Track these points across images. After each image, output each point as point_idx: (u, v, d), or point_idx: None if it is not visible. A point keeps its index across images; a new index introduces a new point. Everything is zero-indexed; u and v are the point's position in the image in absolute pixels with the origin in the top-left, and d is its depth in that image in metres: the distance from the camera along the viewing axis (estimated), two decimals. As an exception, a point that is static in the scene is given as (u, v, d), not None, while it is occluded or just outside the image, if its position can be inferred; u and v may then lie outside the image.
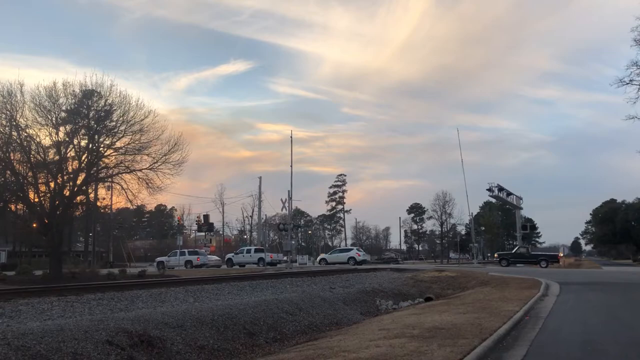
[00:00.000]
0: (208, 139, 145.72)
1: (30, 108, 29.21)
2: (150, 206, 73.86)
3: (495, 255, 50.92)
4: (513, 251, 48.27)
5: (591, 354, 7.21)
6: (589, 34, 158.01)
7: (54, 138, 30.27)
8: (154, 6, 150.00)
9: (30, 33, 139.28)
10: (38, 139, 29.95)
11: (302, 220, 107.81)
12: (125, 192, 31.74)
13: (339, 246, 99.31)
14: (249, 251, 51.42)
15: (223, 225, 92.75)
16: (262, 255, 48.18)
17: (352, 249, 51.78)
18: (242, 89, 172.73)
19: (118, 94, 31.35)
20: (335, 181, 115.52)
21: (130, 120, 31.02)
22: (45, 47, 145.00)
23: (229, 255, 51.27)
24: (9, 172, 29.23)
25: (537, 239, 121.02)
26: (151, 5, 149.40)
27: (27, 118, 29.24)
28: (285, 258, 48.32)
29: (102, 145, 31.84)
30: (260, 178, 62.22)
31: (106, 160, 31.77)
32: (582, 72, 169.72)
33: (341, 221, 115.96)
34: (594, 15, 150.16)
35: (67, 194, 30.15)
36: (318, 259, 51.34)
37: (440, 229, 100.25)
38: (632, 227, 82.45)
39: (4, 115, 28.70)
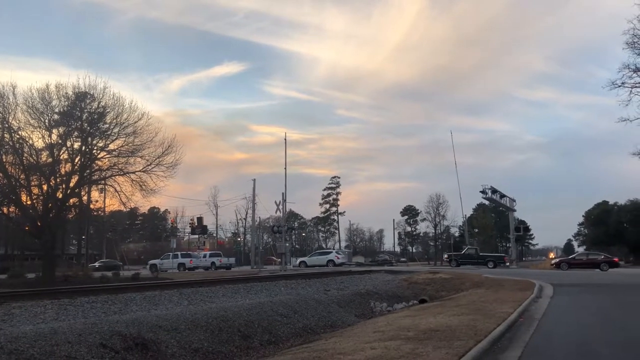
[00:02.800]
0: (202, 141, 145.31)
1: (22, 110, 29.11)
2: (144, 209, 73.63)
3: (445, 256, 52.03)
4: (462, 252, 49.62)
5: (585, 355, 7.25)
6: (583, 36, 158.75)
7: (46, 140, 30.18)
8: (147, 7, 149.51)
9: (22, 34, 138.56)
10: (31, 142, 29.85)
11: (296, 223, 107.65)
12: (119, 195, 31.68)
13: (333, 248, 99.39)
14: (205, 256, 52.52)
15: (217, 227, 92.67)
16: (214, 259, 50.67)
17: (331, 252, 52.25)
18: (236, 90, 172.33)
19: (111, 96, 31.29)
20: (330, 183, 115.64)
21: (123, 123, 30.97)
22: (37, 48, 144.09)
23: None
24: (1, 174, 29.04)
25: (531, 241, 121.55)
26: (144, 7, 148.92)
27: (19, 120, 29.14)
28: (231, 262, 51.87)
29: (95, 148, 31.75)
30: (254, 180, 62.00)
31: (99, 163, 31.68)
32: (576, 74, 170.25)
33: (335, 223, 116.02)
34: (588, 18, 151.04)
35: (60, 196, 30.01)
36: (297, 261, 51.66)
37: (434, 231, 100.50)
38: (625, 229, 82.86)
39: (-4, 118, 28.56)
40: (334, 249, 52.93)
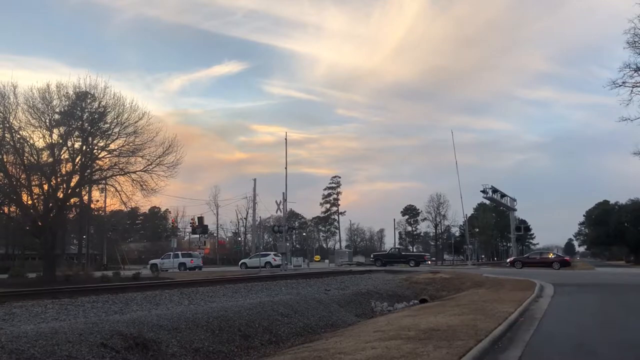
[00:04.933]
0: (202, 140, 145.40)
1: (23, 110, 29.12)
2: (144, 208, 73.58)
3: (372, 256, 55.07)
4: (386, 252, 52.46)
5: (585, 355, 7.25)
6: (584, 36, 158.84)
7: (47, 140, 30.19)
8: (146, 6, 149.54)
9: (21, 33, 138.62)
10: (31, 141, 29.87)
11: (296, 222, 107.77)
12: (119, 194, 31.69)
13: (333, 248, 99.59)
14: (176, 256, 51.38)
15: (217, 227, 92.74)
16: (184, 260, 49.63)
17: (269, 254, 53.79)
18: (236, 90, 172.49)
19: (112, 96, 31.30)
20: (330, 183, 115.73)
21: (124, 122, 30.97)
22: (36, 47, 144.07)
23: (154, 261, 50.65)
24: (2, 174, 29.07)
25: (531, 241, 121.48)
26: (143, 6, 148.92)
27: (20, 120, 29.15)
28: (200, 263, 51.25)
29: (96, 148, 31.77)
30: (254, 180, 62.16)
31: (100, 163, 31.68)
32: (576, 74, 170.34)
33: (336, 223, 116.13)
34: (589, 17, 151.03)
35: (61, 196, 30.02)
36: (239, 263, 53.18)
37: (434, 231, 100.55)
38: (626, 228, 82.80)
39: (-4, 118, 28.58)
40: (272, 252, 56.17)
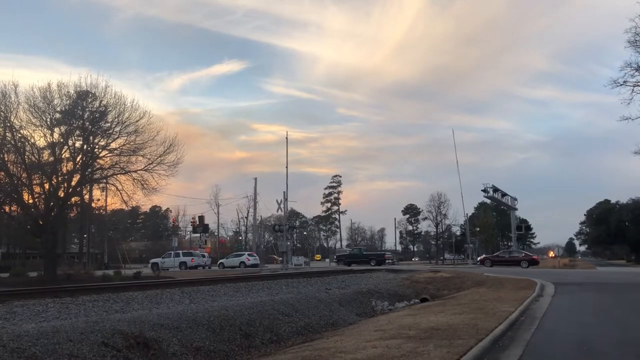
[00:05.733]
0: (203, 139, 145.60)
1: (24, 109, 29.17)
2: (145, 207, 73.70)
3: (335, 257, 57.34)
4: (349, 253, 55.07)
5: (586, 354, 7.24)
6: (584, 34, 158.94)
7: (48, 139, 30.25)
8: (146, 5, 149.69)
9: (22, 32, 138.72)
10: (32, 140, 29.92)
11: (297, 222, 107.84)
12: (120, 193, 31.74)
13: (334, 247, 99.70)
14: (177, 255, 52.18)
15: (218, 226, 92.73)
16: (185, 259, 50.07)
17: (243, 254, 54.77)
18: (237, 89, 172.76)
19: (113, 95, 31.34)
20: (331, 182, 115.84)
21: (125, 122, 31.01)
22: (37, 46, 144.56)
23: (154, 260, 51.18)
24: (3, 173, 29.12)
25: (532, 240, 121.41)
26: (143, 5, 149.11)
27: (21, 119, 29.20)
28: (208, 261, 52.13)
29: (97, 147, 31.80)
30: (255, 179, 62.13)
31: (101, 162, 31.72)
32: (577, 72, 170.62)
33: (336, 222, 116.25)
34: (589, 15, 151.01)
35: (62, 195, 30.05)
36: (218, 263, 54.27)
37: (435, 230, 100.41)
38: (626, 227, 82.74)
39: (-2, 117, 28.61)
40: (246, 252, 57.37)
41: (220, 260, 54.10)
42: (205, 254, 55.21)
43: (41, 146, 30.45)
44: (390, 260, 51.40)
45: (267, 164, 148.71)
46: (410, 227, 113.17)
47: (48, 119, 29.75)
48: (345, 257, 52.00)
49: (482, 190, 60.23)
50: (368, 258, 49.74)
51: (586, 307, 12.99)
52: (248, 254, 53.50)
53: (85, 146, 31.24)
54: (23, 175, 29.67)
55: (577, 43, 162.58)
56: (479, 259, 50.09)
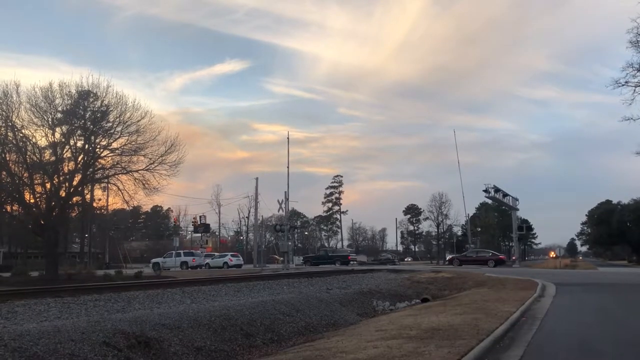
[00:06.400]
0: (204, 139, 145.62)
1: (26, 109, 29.23)
2: (147, 207, 73.88)
3: (302, 258, 60.27)
4: (315, 254, 58.36)
5: (587, 354, 7.24)
6: (586, 34, 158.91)
7: (50, 139, 30.29)
8: (147, 4, 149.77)
9: (23, 32, 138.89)
10: (34, 140, 29.98)
11: (298, 222, 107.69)
12: (122, 193, 31.79)
13: (335, 247, 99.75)
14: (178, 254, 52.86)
15: (219, 226, 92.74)
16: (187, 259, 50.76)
17: (227, 255, 56.31)
18: (238, 89, 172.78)
19: (114, 95, 31.38)
20: (332, 182, 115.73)
21: (126, 121, 31.06)
22: (38, 45, 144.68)
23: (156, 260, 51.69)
24: (4, 172, 29.17)
25: (533, 240, 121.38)
26: (144, 4, 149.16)
27: (23, 119, 29.26)
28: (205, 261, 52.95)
29: (98, 146, 31.83)
30: (256, 179, 61.99)
31: (102, 161, 31.79)
32: (579, 73, 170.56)
33: (338, 222, 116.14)
34: (591, 15, 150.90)
35: (63, 194, 30.10)
36: (205, 263, 54.78)
37: (436, 230, 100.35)
38: (628, 228, 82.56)
39: (-1, 116, 28.66)
40: (229, 253, 58.84)
41: (207, 261, 54.95)
42: (196, 252, 55.77)
43: (43, 146, 30.54)
44: (353, 262, 54.33)
45: (269, 163, 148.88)
46: (411, 227, 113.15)
47: (49, 119, 29.81)
48: (312, 259, 55.96)
49: (483, 191, 60.14)
50: (333, 259, 52.82)
51: (587, 308, 12.97)
52: (231, 255, 55.06)
53: (86, 146, 31.29)
54: (25, 174, 29.72)
55: (578, 43, 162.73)
56: (447, 258, 52.14)
